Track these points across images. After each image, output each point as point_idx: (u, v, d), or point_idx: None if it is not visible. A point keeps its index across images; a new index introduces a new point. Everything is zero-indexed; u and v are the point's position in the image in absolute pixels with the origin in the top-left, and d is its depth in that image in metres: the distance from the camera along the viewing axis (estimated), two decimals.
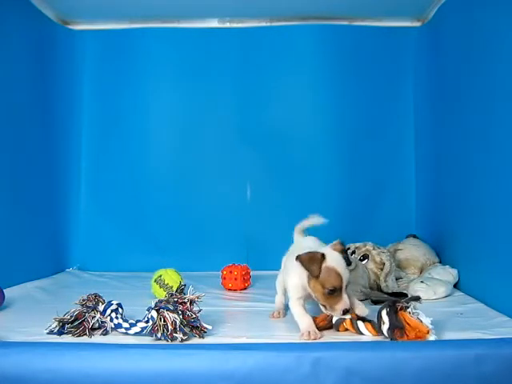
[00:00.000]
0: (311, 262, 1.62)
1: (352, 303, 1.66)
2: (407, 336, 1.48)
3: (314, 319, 1.67)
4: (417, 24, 3.06)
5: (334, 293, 1.60)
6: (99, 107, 3.13)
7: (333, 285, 1.60)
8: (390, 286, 2.34)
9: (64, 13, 2.99)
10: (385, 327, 1.55)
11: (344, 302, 1.61)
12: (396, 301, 1.57)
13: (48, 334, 1.62)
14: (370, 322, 1.63)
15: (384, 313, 1.56)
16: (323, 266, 1.61)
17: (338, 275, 1.61)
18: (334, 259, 1.64)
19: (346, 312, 1.61)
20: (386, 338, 1.54)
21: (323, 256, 1.63)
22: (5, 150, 2.42)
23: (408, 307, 1.54)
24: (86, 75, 3.11)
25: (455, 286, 2.36)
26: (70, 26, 3.08)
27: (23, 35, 2.62)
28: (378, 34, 3.07)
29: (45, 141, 2.83)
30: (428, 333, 1.49)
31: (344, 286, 1.62)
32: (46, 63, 2.85)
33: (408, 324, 1.50)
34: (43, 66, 2.82)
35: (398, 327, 1.49)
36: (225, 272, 2.49)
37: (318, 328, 1.63)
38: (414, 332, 1.49)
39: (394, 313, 1.53)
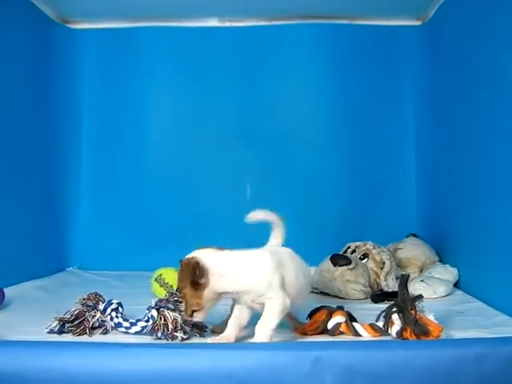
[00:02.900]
0: None
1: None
2: (432, 337, 1.48)
3: (303, 326, 1.66)
4: (417, 23, 3.05)
5: None
6: (99, 106, 3.13)
7: None
8: (391, 285, 2.34)
9: (64, 11, 2.99)
10: (394, 329, 1.55)
11: None
12: (404, 302, 1.56)
13: (48, 333, 1.62)
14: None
15: (396, 316, 1.55)
16: None
17: None
18: None
19: None
20: (394, 338, 1.54)
21: None
22: (4, 150, 2.42)
23: (421, 309, 1.55)
24: (86, 74, 3.10)
25: (455, 285, 2.36)
26: (70, 25, 3.08)
27: (22, 34, 2.61)
28: (378, 33, 3.07)
29: (44, 140, 2.83)
30: (442, 331, 1.50)
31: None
32: (46, 63, 2.85)
33: (428, 325, 1.50)
34: (43, 66, 2.81)
35: (423, 333, 1.49)
36: None
37: (306, 334, 1.62)
38: (437, 331, 1.49)
39: (412, 317, 1.52)
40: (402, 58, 3.10)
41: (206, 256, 1.52)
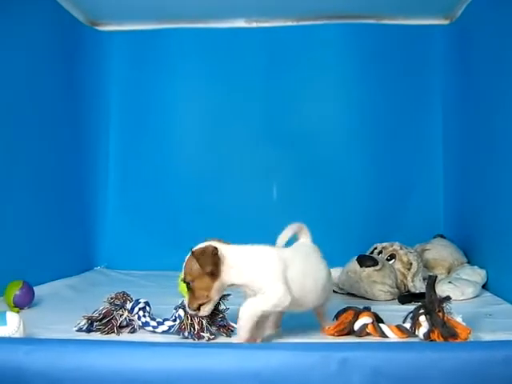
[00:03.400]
0: None
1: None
2: (459, 339, 1.47)
3: (329, 327, 1.65)
4: (444, 22, 3.03)
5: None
6: (127, 107, 3.17)
7: None
8: (418, 286, 2.32)
9: (92, 14, 3.03)
10: (421, 330, 1.53)
11: None
12: (431, 303, 1.55)
13: (77, 331, 1.64)
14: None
15: (423, 318, 1.54)
16: None
17: None
18: None
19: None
20: (421, 339, 1.53)
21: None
22: (33, 150, 2.45)
23: (449, 310, 1.53)
24: (114, 75, 3.15)
25: (483, 286, 2.34)
26: (98, 27, 3.12)
27: (51, 37, 2.66)
28: (404, 32, 3.06)
29: (73, 140, 2.87)
30: (470, 333, 1.48)
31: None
32: (74, 64, 2.89)
33: (455, 327, 1.49)
34: (72, 67, 2.86)
35: (451, 335, 1.47)
36: None
37: (333, 334, 1.61)
38: (466, 334, 1.47)
39: (440, 319, 1.50)
40: (429, 58, 3.07)
41: (218, 246, 1.52)
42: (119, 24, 3.13)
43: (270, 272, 1.51)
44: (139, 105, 3.17)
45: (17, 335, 1.47)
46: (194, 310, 1.52)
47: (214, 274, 1.49)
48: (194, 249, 1.53)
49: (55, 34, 2.69)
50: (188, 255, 1.53)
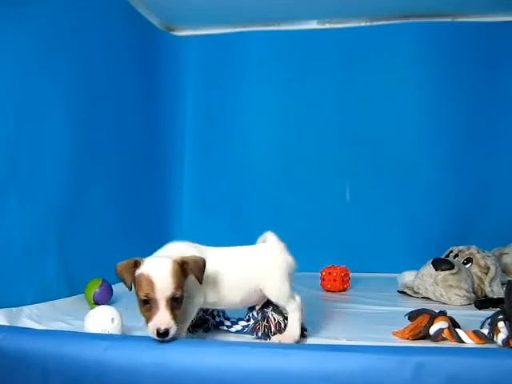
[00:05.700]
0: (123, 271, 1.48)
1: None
2: None
3: (404, 330, 1.63)
4: None
5: (146, 304, 1.40)
6: (202, 108, 3.24)
7: (144, 293, 1.40)
8: (496, 291, 2.26)
9: (168, 19, 3.10)
10: (500, 337, 1.50)
11: (159, 318, 1.37)
12: (511, 309, 1.51)
13: None
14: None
15: (502, 324, 1.50)
16: (137, 273, 1.45)
17: (150, 283, 1.40)
18: (151, 266, 1.45)
19: (160, 335, 1.36)
20: (500, 346, 1.49)
21: (136, 263, 1.47)
22: (112, 153, 2.54)
23: None
24: (190, 78, 3.22)
25: None
26: (174, 33, 3.19)
27: (130, 42, 2.75)
28: (481, 29, 2.98)
29: (150, 144, 2.95)
30: None
31: (161, 298, 1.39)
32: (151, 67, 2.97)
33: None
34: (149, 70, 2.94)
35: None
36: (324, 273, 2.50)
37: (407, 338, 1.58)
38: None
39: None
40: (508, 55, 2.98)
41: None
42: (194, 29, 3.20)
43: None
44: (214, 106, 3.22)
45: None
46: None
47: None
48: (195, 257, 1.48)
49: (131, 39, 2.78)
50: (161, 266, 1.45)
